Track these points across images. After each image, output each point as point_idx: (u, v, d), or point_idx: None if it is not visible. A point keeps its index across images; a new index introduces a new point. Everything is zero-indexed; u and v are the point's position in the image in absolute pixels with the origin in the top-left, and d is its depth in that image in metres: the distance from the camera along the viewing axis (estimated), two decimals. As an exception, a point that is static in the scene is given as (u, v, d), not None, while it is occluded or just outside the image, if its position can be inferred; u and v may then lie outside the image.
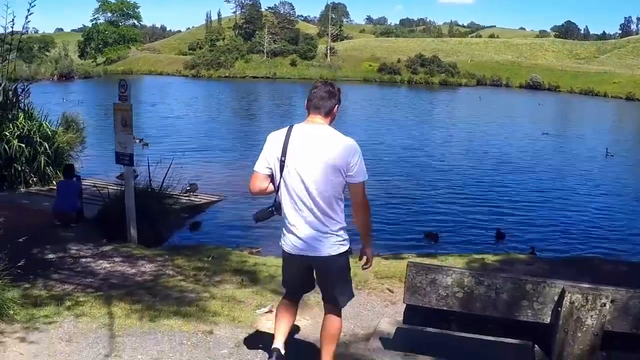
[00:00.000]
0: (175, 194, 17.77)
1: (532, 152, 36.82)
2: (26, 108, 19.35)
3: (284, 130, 5.19)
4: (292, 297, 5.80)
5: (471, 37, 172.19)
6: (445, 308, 5.59)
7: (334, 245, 5.19)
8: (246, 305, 8.16)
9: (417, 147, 35.97)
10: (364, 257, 5.53)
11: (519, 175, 28.71)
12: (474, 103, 71.76)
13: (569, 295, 5.20)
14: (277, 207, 5.32)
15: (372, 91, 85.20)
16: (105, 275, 9.71)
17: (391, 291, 9.29)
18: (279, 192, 5.24)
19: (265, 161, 5.23)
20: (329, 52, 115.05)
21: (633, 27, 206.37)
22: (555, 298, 5.38)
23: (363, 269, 5.67)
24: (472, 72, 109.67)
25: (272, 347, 5.60)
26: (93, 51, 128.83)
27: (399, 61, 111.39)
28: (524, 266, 11.52)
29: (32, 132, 18.07)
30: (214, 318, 7.44)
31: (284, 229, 5.31)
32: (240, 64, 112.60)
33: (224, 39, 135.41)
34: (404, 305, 5.30)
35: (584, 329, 5.16)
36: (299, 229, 5.15)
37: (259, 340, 6.82)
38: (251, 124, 45.15)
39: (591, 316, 5.20)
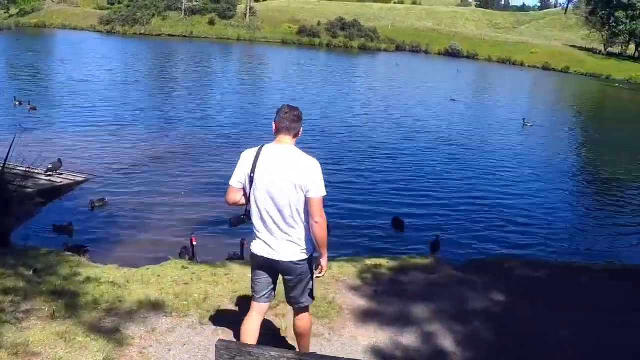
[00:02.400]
0: (34, 174, 15.53)
1: (448, 122, 35.58)
2: None
3: (255, 149, 5.79)
4: (261, 301, 6.15)
5: (394, 3, 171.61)
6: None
7: (295, 252, 5.78)
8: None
9: (325, 115, 33.80)
10: (320, 267, 5.98)
11: (430, 149, 27.02)
12: (391, 69, 70.40)
13: None
14: (247, 215, 5.94)
15: (289, 54, 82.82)
16: None
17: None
18: (249, 203, 5.86)
19: (238, 176, 5.83)
20: (248, 12, 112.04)
21: (552, 0, 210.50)
22: None
23: (317, 277, 6.10)
24: (392, 38, 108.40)
25: None
26: (6, 1, 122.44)
27: (319, 24, 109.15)
28: (424, 275, 9.71)
29: None
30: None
31: (253, 234, 5.93)
32: (157, 21, 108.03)
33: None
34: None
35: None
36: (264, 236, 5.81)
37: None
38: (158, 91, 40.77)
39: None
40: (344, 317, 7.83)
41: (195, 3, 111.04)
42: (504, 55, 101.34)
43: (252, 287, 6.22)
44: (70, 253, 10.36)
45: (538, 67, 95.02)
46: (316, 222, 5.67)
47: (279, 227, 5.71)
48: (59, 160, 17.84)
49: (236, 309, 7.70)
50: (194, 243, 12.09)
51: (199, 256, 11.76)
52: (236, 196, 5.90)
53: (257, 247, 5.88)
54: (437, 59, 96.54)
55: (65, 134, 24.15)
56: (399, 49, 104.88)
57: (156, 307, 7.57)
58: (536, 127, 35.42)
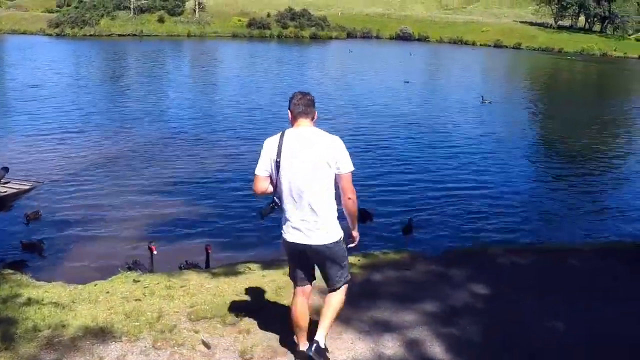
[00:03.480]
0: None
1: (406, 104, 35.19)
2: None
3: (277, 135, 5.74)
4: (301, 284, 6.07)
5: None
6: None
7: (326, 235, 5.68)
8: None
9: (282, 106, 32.19)
10: (352, 238, 6.05)
11: (391, 134, 26.43)
12: (345, 55, 70.03)
13: None
14: (276, 203, 5.78)
15: (241, 47, 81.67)
16: None
17: (207, 345, 6.46)
18: (278, 190, 5.75)
19: (263, 164, 5.75)
20: (197, 7, 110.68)
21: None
22: None
23: (349, 247, 6.01)
24: (342, 25, 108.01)
25: (303, 348, 6.03)
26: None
27: (268, 15, 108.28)
28: (399, 272, 8.94)
29: None
30: None
31: (283, 220, 5.81)
32: (106, 22, 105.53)
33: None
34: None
35: None
36: (296, 221, 5.69)
37: None
38: (110, 93, 38.73)
39: None
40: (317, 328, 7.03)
41: (143, 1, 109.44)
42: (455, 35, 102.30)
43: (290, 274, 6.20)
44: (11, 270, 9.45)
45: (490, 45, 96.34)
46: (349, 199, 5.78)
47: (307, 210, 5.66)
48: (4, 168, 16.86)
49: (194, 326, 6.83)
50: (154, 252, 11.15)
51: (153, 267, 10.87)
52: (263, 184, 5.85)
53: (289, 234, 5.80)
54: (389, 44, 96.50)
55: (15, 141, 23.10)
56: (350, 35, 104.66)
57: (104, 330, 6.66)
58: (495, 104, 35.21)
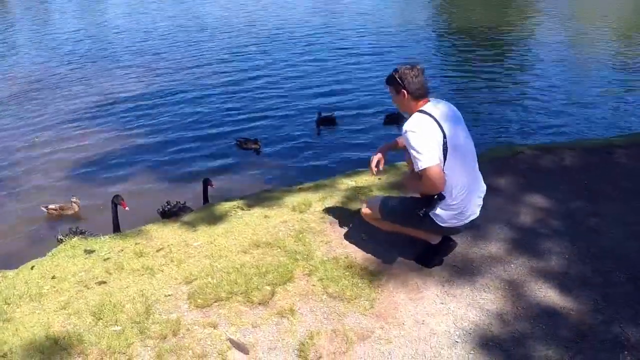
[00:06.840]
0: None
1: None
2: None
3: (425, 116, 4.72)
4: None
5: None
6: None
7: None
8: None
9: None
10: None
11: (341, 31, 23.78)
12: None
13: None
14: (441, 196, 4.73)
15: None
16: None
17: (243, 349, 4.22)
18: (448, 177, 4.68)
19: (435, 151, 4.62)
20: None
21: None
22: None
23: None
24: None
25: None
26: None
27: None
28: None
29: None
30: None
31: (449, 206, 4.77)
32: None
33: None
34: None
35: None
36: (471, 202, 4.85)
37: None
38: None
39: None
40: (384, 289, 4.81)
41: None
42: None
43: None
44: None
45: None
46: None
47: (480, 184, 4.99)
48: None
49: (206, 316, 4.46)
50: (126, 208, 8.10)
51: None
52: (443, 173, 4.66)
53: (457, 218, 4.86)
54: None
55: None
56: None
57: (70, 351, 4.15)
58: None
